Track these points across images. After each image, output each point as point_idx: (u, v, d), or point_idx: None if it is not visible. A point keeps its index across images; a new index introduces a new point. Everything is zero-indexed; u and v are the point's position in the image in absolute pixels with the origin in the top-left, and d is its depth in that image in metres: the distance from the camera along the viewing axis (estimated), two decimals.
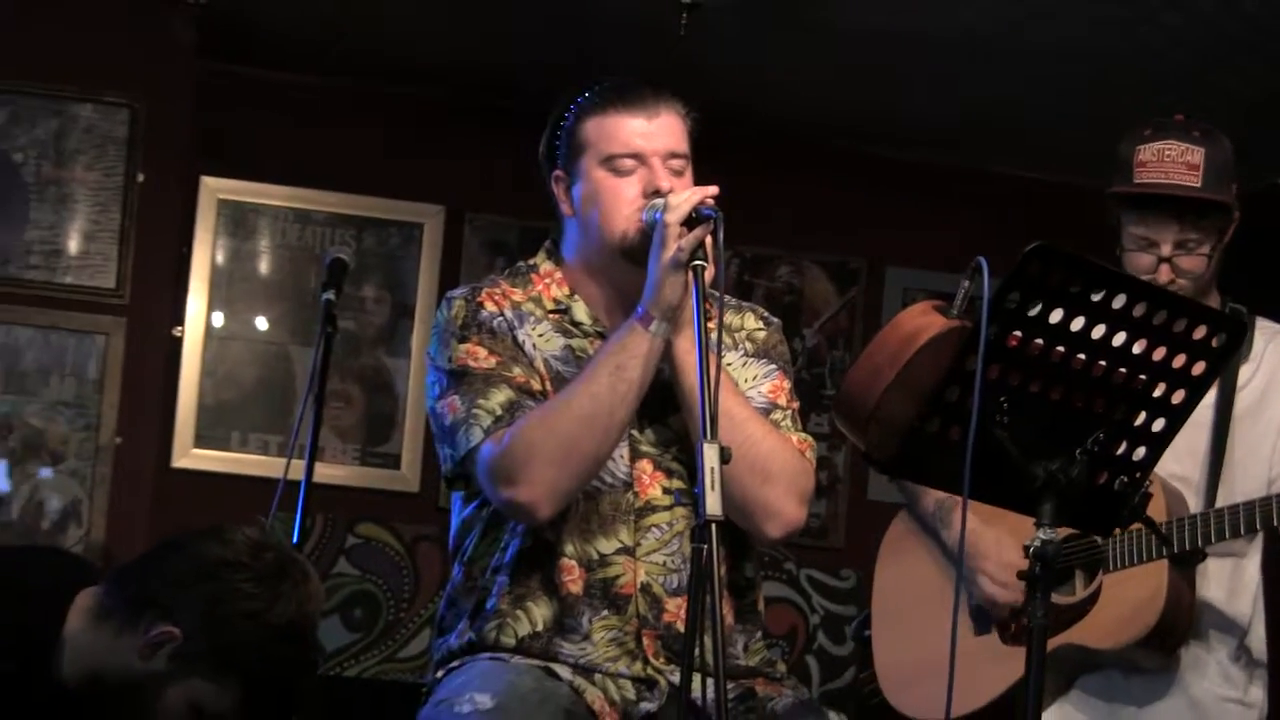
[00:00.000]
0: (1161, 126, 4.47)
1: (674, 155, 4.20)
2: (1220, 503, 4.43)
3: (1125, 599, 4.41)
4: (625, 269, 4.21)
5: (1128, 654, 4.46)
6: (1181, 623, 4.44)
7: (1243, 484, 4.42)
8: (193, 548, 3.69)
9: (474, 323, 4.26)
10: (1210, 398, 4.42)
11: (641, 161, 4.18)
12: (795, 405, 4.37)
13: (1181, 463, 4.41)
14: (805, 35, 6.97)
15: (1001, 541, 4.51)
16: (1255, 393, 4.51)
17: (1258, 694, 4.57)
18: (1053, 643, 4.39)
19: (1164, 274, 4.39)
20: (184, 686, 3.76)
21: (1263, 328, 4.58)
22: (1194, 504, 4.43)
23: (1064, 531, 4.13)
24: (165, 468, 7.66)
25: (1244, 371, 4.51)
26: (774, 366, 4.39)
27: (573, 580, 4.17)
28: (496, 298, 4.30)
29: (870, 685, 5.07)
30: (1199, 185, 4.40)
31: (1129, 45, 6.75)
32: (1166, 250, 4.42)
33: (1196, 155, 4.42)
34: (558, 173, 4.30)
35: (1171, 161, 4.42)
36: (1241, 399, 4.49)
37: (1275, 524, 4.23)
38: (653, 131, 4.20)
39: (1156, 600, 4.37)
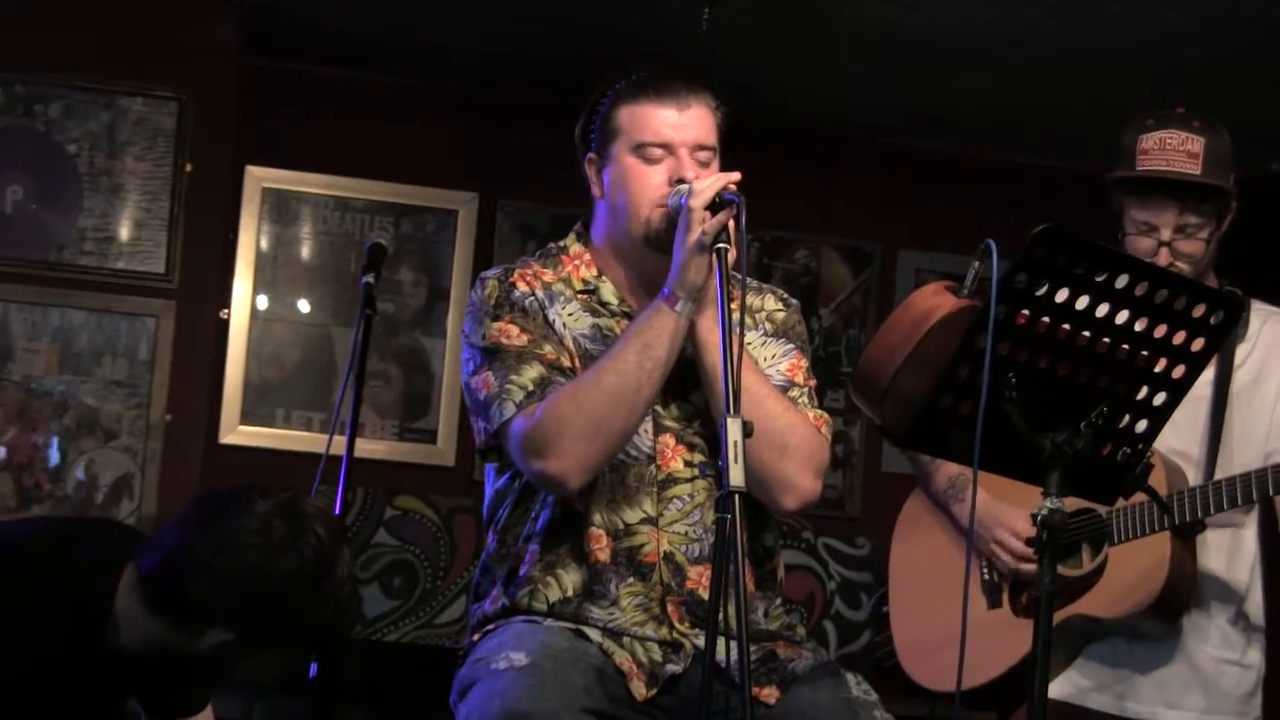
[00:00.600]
0: (1163, 118, 4.47)
1: (701, 147, 4.20)
2: (1218, 476, 4.42)
3: (1130, 570, 4.41)
4: (647, 255, 4.22)
5: (1133, 622, 4.46)
6: (1184, 591, 4.43)
7: (1240, 457, 4.41)
8: (220, 557, 3.67)
9: (507, 302, 4.27)
10: (1208, 376, 4.42)
11: (670, 151, 4.18)
12: (812, 383, 4.37)
13: (1181, 438, 4.41)
14: (822, 30, 6.96)
15: (1012, 513, 4.51)
16: (1251, 371, 4.51)
17: (1255, 656, 4.57)
18: (1061, 613, 4.41)
19: (1164, 257, 4.39)
20: (238, 658, 3.78)
21: (1258, 309, 4.58)
22: (1193, 477, 4.43)
23: (1072, 506, 4.15)
24: (213, 444, 7.67)
25: (1240, 351, 4.50)
26: (792, 346, 4.39)
27: (600, 549, 4.18)
28: (528, 278, 4.31)
29: (885, 649, 5.07)
30: (1199, 172, 4.40)
31: (1132, 40, 6.74)
32: (1166, 234, 4.41)
33: (1196, 144, 4.42)
34: (590, 155, 4.31)
35: (1173, 149, 4.42)
36: (1238, 377, 4.49)
37: (1271, 494, 4.23)
38: (683, 123, 4.20)
39: (1160, 570, 4.37)
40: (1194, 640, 4.51)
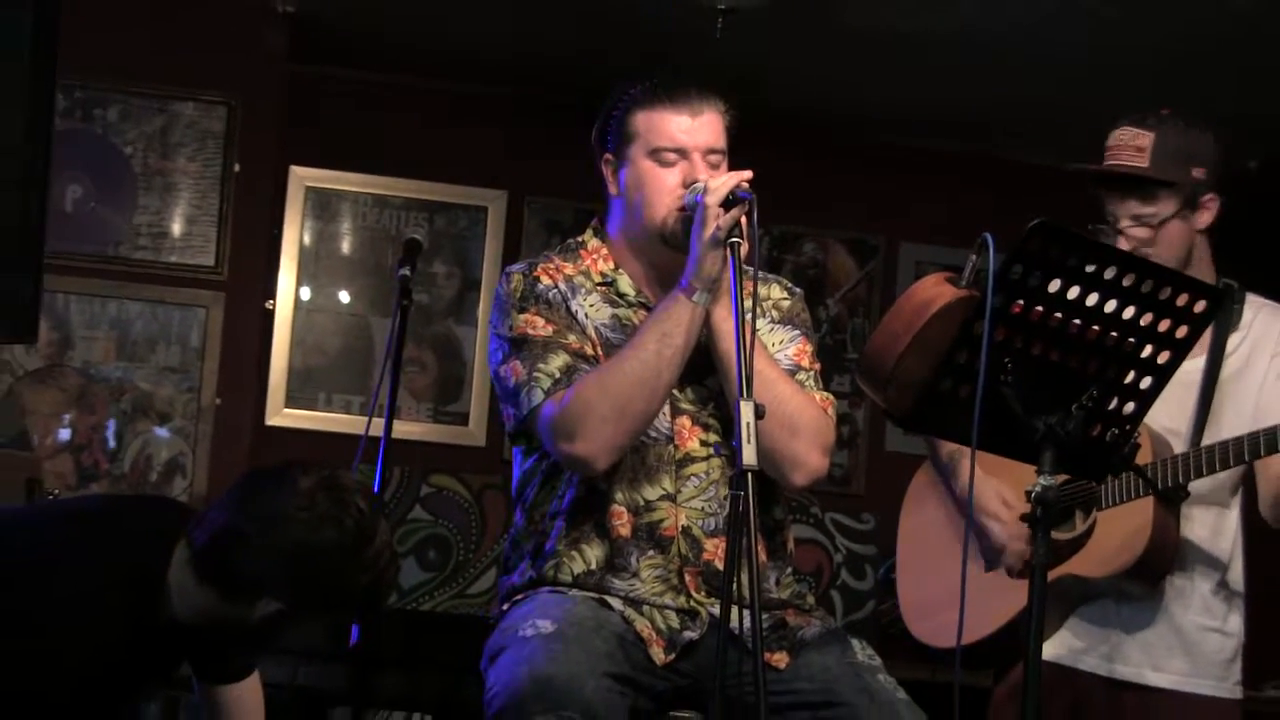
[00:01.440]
0: (1136, 118, 4.47)
1: (712, 151, 4.22)
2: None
3: (1116, 533, 4.40)
4: (661, 249, 4.24)
5: (1118, 582, 4.45)
6: (1166, 554, 4.43)
7: (1227, 436, 4.40)
8: (268, 530, 3.67)
9: (531, 295, 4.27)
10: (1200, 362, 4.42)
11: (683, 155, 4.19)
12: (817, 367, 4.39)
13: (1172, 418, 4.41)
14: (828, 37, 6.96)
15: (1003, 491, 4.51)
16: (1241, 358, 4.49)
17: (1236, 624, 4.56)
18: (1053, 574, 4.41)
19: (1123, 244, 4.40)
20: (285, 625, 3.79)
21: (1251, 301, 4.57)
22: (1180, 451, 4.42)
23: (1062, 476, 4.15)
24: (260, 426, 7.68)
25: (1232, 339, 4.50)
26: (798, 332, 4.40)
27: (622, 524, 4.18)
28: (551, 271, 4.31)
29: (890, 616, 5.07)
30: (1145, 165, 4.40)
31: (1118, 44, 6.73)
32: (1122, 224, 4.43)
33: (1145, 139, 4.42)
34: (607, 156, 4.32)
35: (1124, 145, 4.44)
36: (1228, 364, 4.48)
37: (1246, 459, 4.22)
38: (695, 128, 4.21)
39: (1143, 533, 4.37)
40: (1178, 607, 4.50)
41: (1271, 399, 4.46)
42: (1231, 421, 4.46)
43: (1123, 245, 4.40)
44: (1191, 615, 4.51)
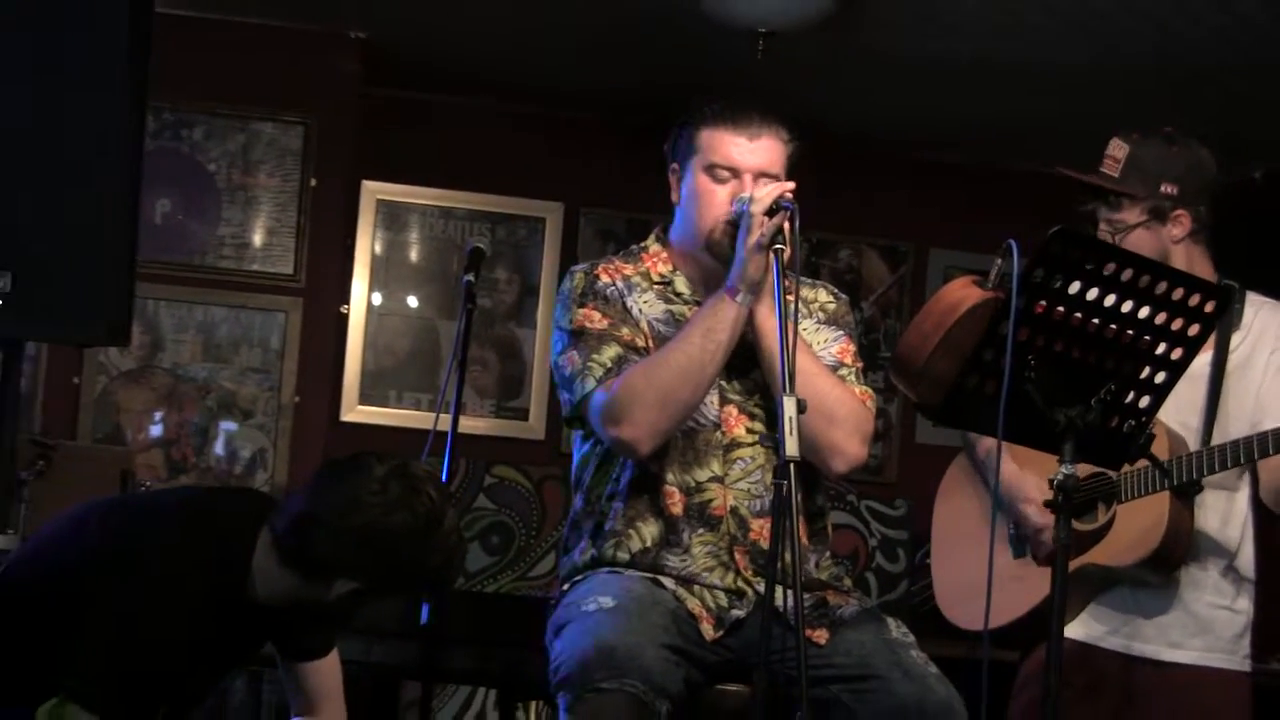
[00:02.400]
0: (1127, 131, 4.49)
1: (764, 174, 4.20)
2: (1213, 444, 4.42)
3: (1135, 525, 4.39)
4: (709, 257, 4.25)
5: (1136, 571, 4.44)
6: (1181, 544, 4.42)
7: (1232, 429, 4.40)
8: (345, 516, 3.69)
9: (591, 291, 4.31)
10: (1207, 358, 4.41)
11: (735, 175, 4.21)
12: (859, 364, 4.41)
13: (1183, 413, 4.40)
14: (861, 58, 6.95)
15: (1030, 483, 4.50)
16: (1243, 355, 4.49)
17: (1244, 604, 4.55)
18: (1077, 562, 4.41)
19: None
20: (362, 606, 3.81)
21: (1252, 300, 4.56)
22: (1193, 446, 4.41)
23: (1088, 470, 4.15)
24: (335, 422, 7.69)
25: (1235, 337, 4.49)
26: (841, 332, 4.44)
27: (674, 503, 4.21)
28: (610, 271, 4.36)
29: (922, 596, 5.07)
30: (1116, 176, 4.41)
31: (1130, 64, 6.70)
32: (1101, 227, 4.44)
33: (1121, 152, 4.43)
34: (674, 165, 4.35)
35: (1107, 156, 4.47)
36: (1233, 360, 4.47)
37: (1256, 458, 4.22)
38: (751, 151, 4.22)
39: (1160, 525, 4.36)
40: (1191, 591, 4.50)
41: (1269, 393, 4.47)
42: (1236, 415, 4.46)
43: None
44: (1204, 597, 4.51)
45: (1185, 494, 4.38)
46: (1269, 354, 4.51)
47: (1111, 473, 4.37)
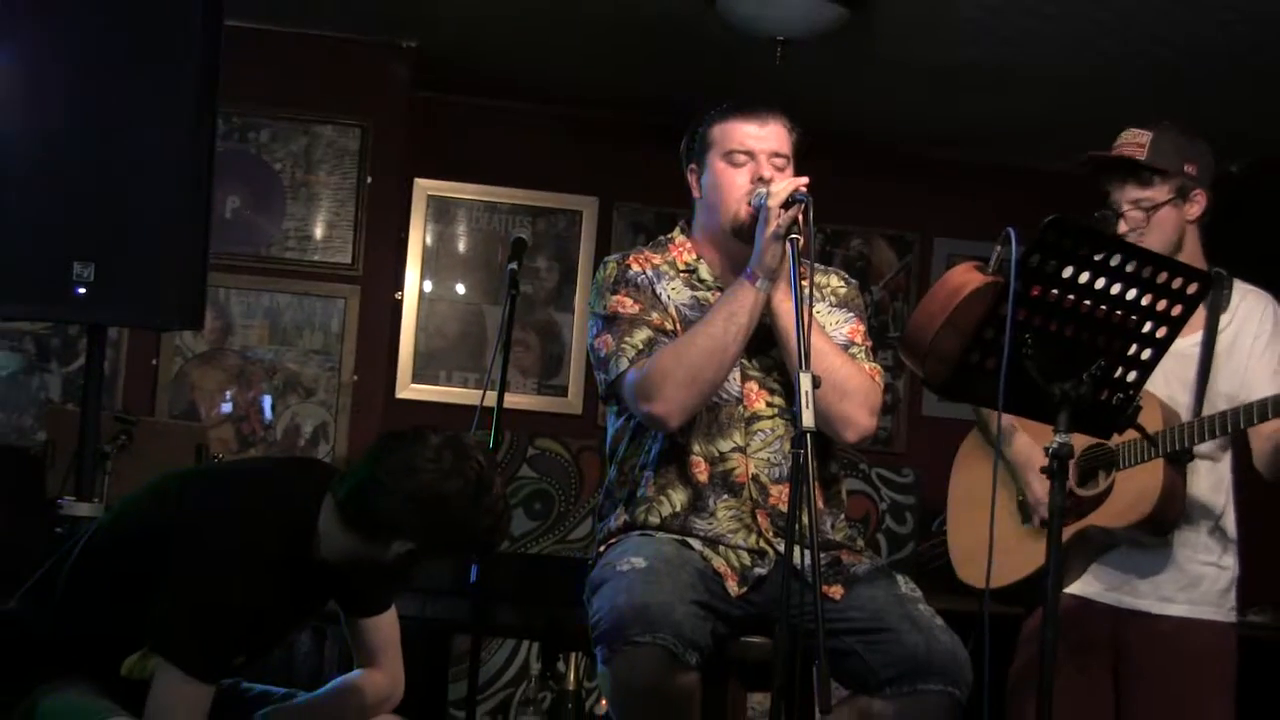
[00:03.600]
0: (1149, 122, 4.48)
1: (776, 155, 4.26)
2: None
3: (1132, 490, 4.40)
4: (734, 242, 4.27)
5: (1134, 532, 4.45)
6: (1175, 507, 4.43)
7: (1221, 404, 4.41)
8: (401, 481, 3.70)
9: (623, 279, 4.33)
10: (1198, 338, 4.43)
11: (751, 157, 4.25)
12: (869, 344, 4.43)
13: (1175, 390, 4.42)
14: (872, 63, 6.95)
15: (1039, 455, 4.51)
16: (1230, 336, 4.49)
17: (1230, 560, 4.57)
18: (1080, 525, 4.44)
19: (1122, 226, 4.42)
20: (418, 565, 3.82)
21: (1239, 287, 4.57)
22: (1185, 419, 4.42)
23: (1087, 441, 4.16)
24: (390, 398, 7.71)
25: (1223, 319, 4.50)
26: (852, 314, 4.45)
27: (700, 472, 4.23)
28: (640, 261, 4.38)
29: (930, 555, 5.06)
30: (1142, 157, 4.42)
31: (1117, 69, 6.69)
32: (1122, 207, 4.45)
33: (1144, 137, 4.45)
34: (692, 166, 4.38)
35: (1127, 142, 4.46)
36: (1221, 340, 4.48)
37: (1242, 428, 4.24)
38: (762, 135, 4.26)
39: (1155, 490, 4.36)
40: (1182, 550, 4.51)
41: (1255, 373, 4.49)
42: (1225, 391, 4.48)
43: (1122, 228, 4.41)
44: (1194, 556, 4.52)
45: (1178, 461, 4.39)
46: (1253, 339, 4.53)
47: (1110, 443, 4.37)
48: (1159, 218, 4.44)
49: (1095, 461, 4.48)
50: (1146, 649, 4.53)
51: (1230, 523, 4.57)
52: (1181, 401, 4.44)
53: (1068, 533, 4.43)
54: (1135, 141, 4.45)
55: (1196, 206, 4.48)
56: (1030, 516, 4.63)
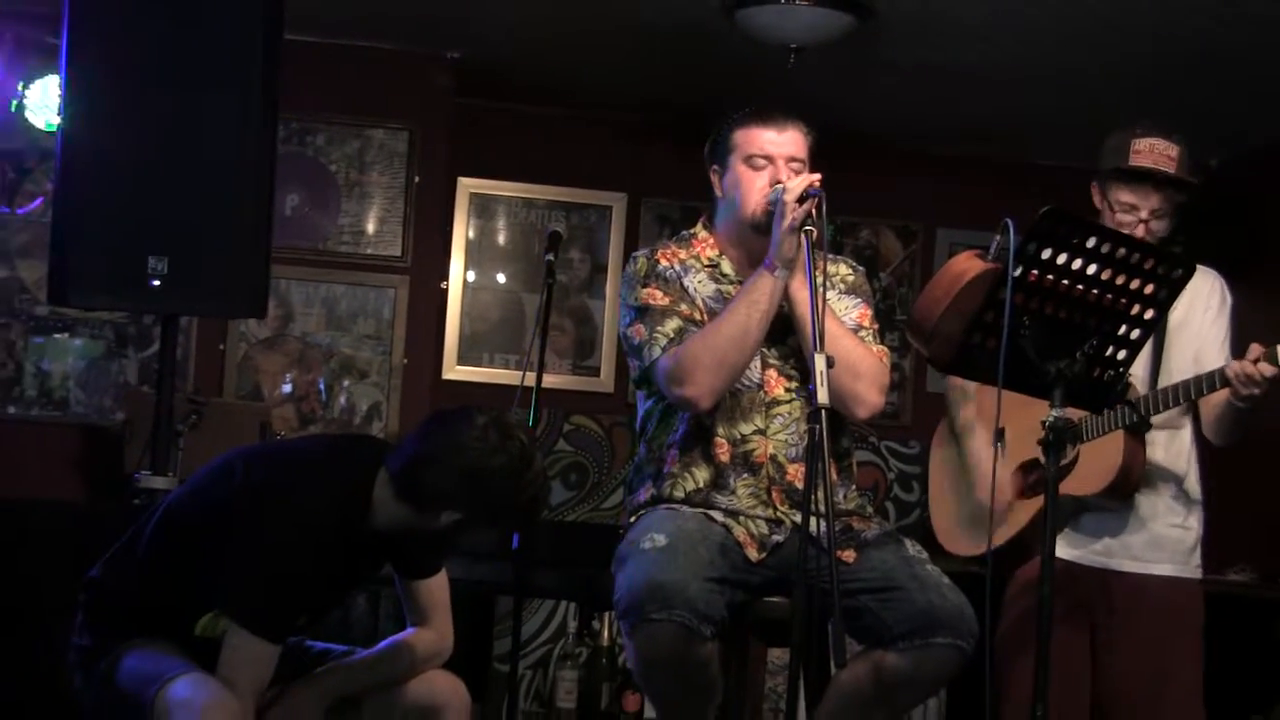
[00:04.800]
0: (1150, 127, 4.48)
1: (793, 159, 4.26)
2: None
3: (1096, 459, 4.42)
4: (753, 238, 4.26)
5: (1099, 499, 4.47)
6: (1135, 474, 4.45)
7: (1176, 376, 4.44)
8: (450, 457, 3.71)
9: (653, 273, 4.33)
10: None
11: (770, 162, 4.25)
12: (875, 326, 4.43)
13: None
14: (878, 67, 6.93)
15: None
16: (1181, 314, 4.51)
17: (1194, 522, 4.59)
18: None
19: (1140, 230, 4.41)
20: (465, 532, 3.83)
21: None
22: (1142, 391, 4.44)
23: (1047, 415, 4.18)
24: (438, 379, 7.71)
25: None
26: (860, 300, 4.44)
27: (723, 452, 4.23)
28: (668, 255, 4.37)
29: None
30: (1175, 171, 4.42)
31: (1106, 66, 6.67)
32: (1145, 214, 4.44)
33: (1174, 151, 4.45)
34: (715, 166, 4.38)
35: (1159, 153, 4.43)
36: (1173, 319, 4.49)
37: (1192, 397, 4.30)
38: (780, 141, 4.26)
39: (1117, 459, 4.39)
40: (1148, 513, 4.54)
41: (1206, 347, 4.52)
42: (1179, 364, 4.52)
43: (1139, 232, 4.41)
44: (1159, 517, 4.54)
45: (1136, 431, 4.41)
46: (1203, 312, 4.56)
47: (1074, 417, 4.39)
48: (1170, 218, 4.48)
49: (1061, 435, 4.49)
50: (1120, 605, 4.55)
51: (1194, 486, 4.60)
52: (1138, 375, 4.44)
53: (1039, 502, 4.45)
54: (1166, 155, 4.44)
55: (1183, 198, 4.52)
56: (999, 454, 4.64)
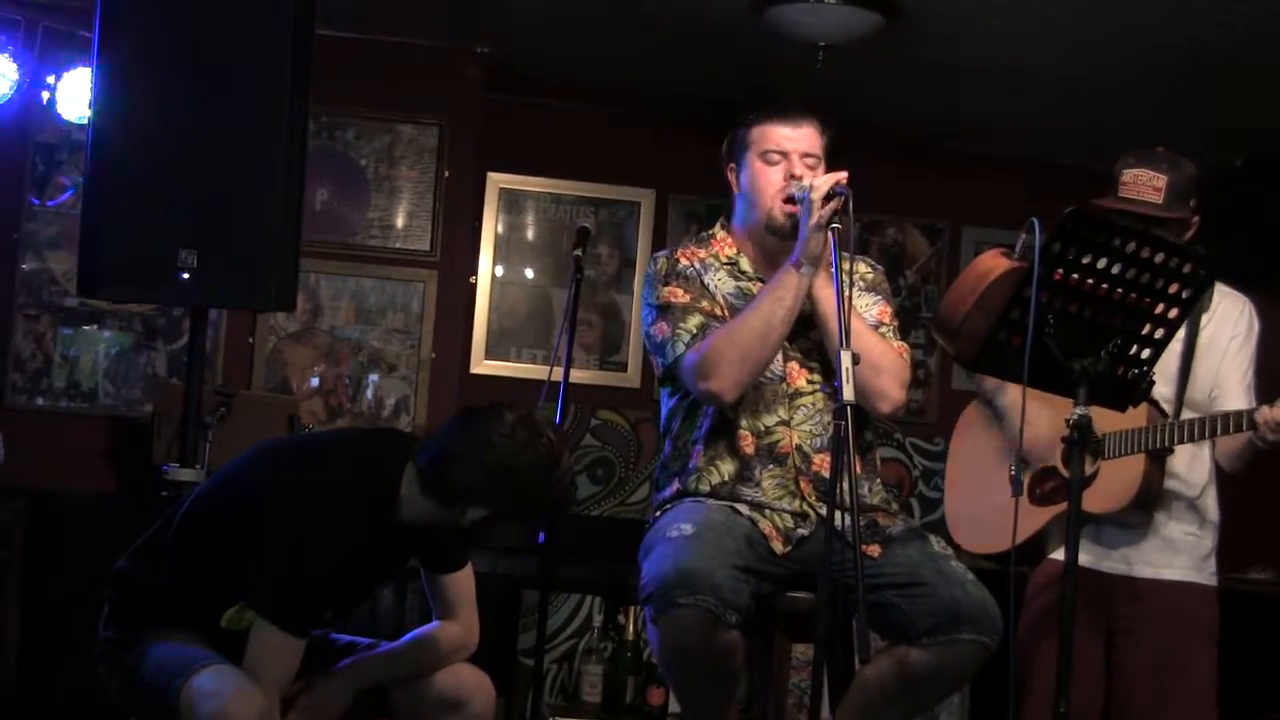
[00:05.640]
0: (1142, 156, 4.43)
1: (808, 155, 4.29)
2: (1185, 407, 4.48)
3: (1116, 479, 4.41)
4: (769, 236, 4.30)
5: (1115, 516, 4.46)
6: (1152, 497, 4.45)
7: (1199, 398, 4.45)
8: (478, 453, 3.71)
9: (673, 272, 4.35)
10: (1181, 334, 4.41)
11: (785, 157, 4.28)
12: (896, 323, 4.45)
13: (1160, 382, 4.42)
14: (904, 65, 6.91)
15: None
16: (1209, 335, 4.51)
17: (1210, 530, 4.59)
18: (1064, 507, 4.41)
19: None
20: (491, 528, 3.83)
21: (1220, 289, 4.57)
22: (1168, 410, 4.43)
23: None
24: (465, 373, 7.71)
25: (1204, 319, 4.53)
26: (879, 297, 4.46)
27: (748, 445, 4.24)
28: (688, 255, 4.40)
29: None
30: (1160, 203, 4.36)
31: (1128, 68, 6.65)
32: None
33: (1160, 181, 4.37)
34: (731, 164, 4.40)
35: (1144, 184, 4.38)
36: (1202, 338, 4.49)
37: (1217, 435, 4.29)
38: (795, 136, 4.29)
39: (1136, 482, 4.39)
40: (1164, 525, 4.53)
41: (1226, 374, 4.51)
42: (1202, 387, 4.51)
43: None
44: (1176, 528, 4.53)
45: (1158, 456, 4.40)
46: (1229, 338, 4.54)
47: (1098, 433, 4.37)
48: None
49: (1085, 433, 4.48)
50: (1135, 609, 4.54)
51: (1211, 506, 4.60)
52: (1164, 394, 4.43)
53: (1054, 511, 4.45)
54: (1151, 185, 4.39)
55: (1191, 231, 4.47)
56: (1022, 489, 4.62)
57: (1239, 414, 4.20)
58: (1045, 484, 4.55)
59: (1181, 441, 4.30)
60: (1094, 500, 4.40)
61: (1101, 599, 4.54)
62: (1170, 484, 4.49)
